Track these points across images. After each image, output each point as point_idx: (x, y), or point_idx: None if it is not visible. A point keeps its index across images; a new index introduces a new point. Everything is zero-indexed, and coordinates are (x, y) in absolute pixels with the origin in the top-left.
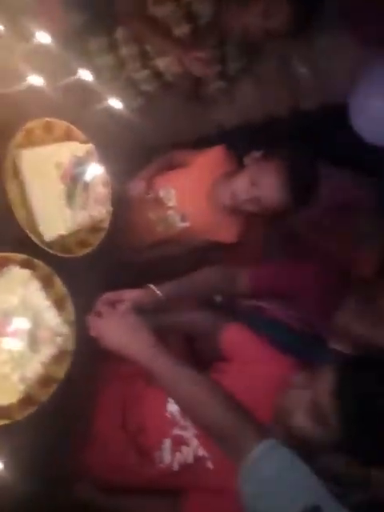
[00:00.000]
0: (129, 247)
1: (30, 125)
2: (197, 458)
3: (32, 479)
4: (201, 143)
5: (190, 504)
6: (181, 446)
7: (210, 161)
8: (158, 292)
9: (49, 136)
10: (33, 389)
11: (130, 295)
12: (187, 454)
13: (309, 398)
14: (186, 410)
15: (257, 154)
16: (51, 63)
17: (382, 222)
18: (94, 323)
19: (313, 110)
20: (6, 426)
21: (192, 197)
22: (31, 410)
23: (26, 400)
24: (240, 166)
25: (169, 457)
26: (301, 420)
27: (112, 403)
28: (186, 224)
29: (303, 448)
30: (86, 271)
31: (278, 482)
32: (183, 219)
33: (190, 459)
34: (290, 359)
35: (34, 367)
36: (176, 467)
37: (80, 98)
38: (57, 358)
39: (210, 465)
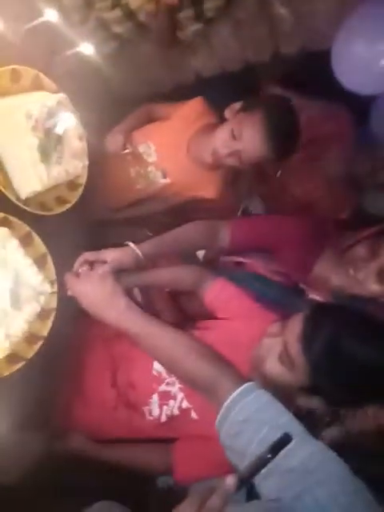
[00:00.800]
0: (107, 205)
1: None
2: (182, 410)
3: (23, 432)
4: (178, 93)
5: (179, 450)
6: (168, 400)
7: (188, 113)
8: (138, 251)
9: (15, 85)
10: (18, 346)
11: (110, 255)
12: (173, 406)
13: (280, 345)
14: (166, 365)
15: (237, 105)
16: (15, 5)
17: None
18: (71, 284)
19: (293, 55)
20: None
21: (172, 152)
22: (18, 366)
23: (13, 357)
24: (219, 117)
25: (157, 410)
26: (272, 366)
27: (101, 363)
28: (167, 180)
29: (277, 393)
30: (65, 229)
31: (253, 420)
32: (164, 175)
33: (176, 411)
34: (273, 314)
35: (18, 325)
36: (164, 419)
37: (48, 43)
38: (40, 316)
39: (194, 415)
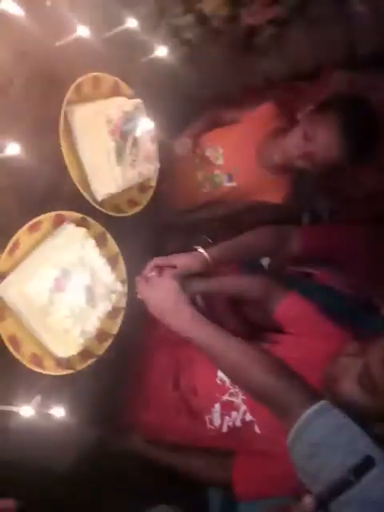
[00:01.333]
0: (173, 208)
1: (80, 80)
2: (245, 423)
3: (89, 426)
4: (247, 96)
5: (239, 464)
6: (230, 411)
7: (259, 117)
8: (207, 256)
9: (96, 91)
10: (91, 342)
11: (179, 260)
12: (236, 418)
13: (359, 367)
14: (231, 376)
15: (310, 106)
16: (96, 13)
17: None
18: (141, 287)
19: (370, 56)
20: (68, 376)
21: (240, 155)
22: (89, 362)
23: (85, 353)
24: (291, 121)
25: (218, 420)
26: (349, 387)
27: (165, 365)
28: (233, 184)
29: (352, 416)
30: (134, 231)
31: (329, 443)
32: (230, 179)
33: (239, 423)
34: (347, 332)
35: (92, 322)
36: (225, 429)
37: (125, 50)
38: (111, 314)
39: (257, 429)
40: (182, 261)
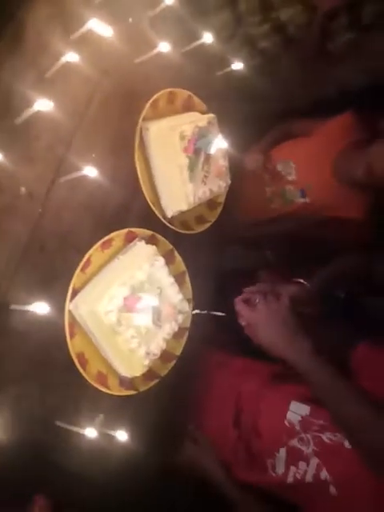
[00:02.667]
0: (240, 224)
1: (156, 96)
2: (318, 480)
3: (151, 448)
4: (321, 107)
5: None
6: (298, 461)
7: (336, 129)
8: (310, 287)
9: (171, 106)
10: (155, 363)
11: (288, 290)
12: (305, 471)
13: None
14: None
15: None
16: (174, 28)
17: None
18: (245, 312)
19: None
20: (131, 397)
21: (315, 170)
22: (153, 383)
23: (149, 374)
24: (372, 132)
25: (282, 468)
26: None
27: (224, 397)
28: (306, 200)
29: None
30: (198, 248)
31: None
32: (303, 194)
33: (310, 478)
34: None
35: (158, 343)
36: (290, 480)
37: (200, 65)
38: (176, 335)
39: (333, 490)
40: (291, 290)
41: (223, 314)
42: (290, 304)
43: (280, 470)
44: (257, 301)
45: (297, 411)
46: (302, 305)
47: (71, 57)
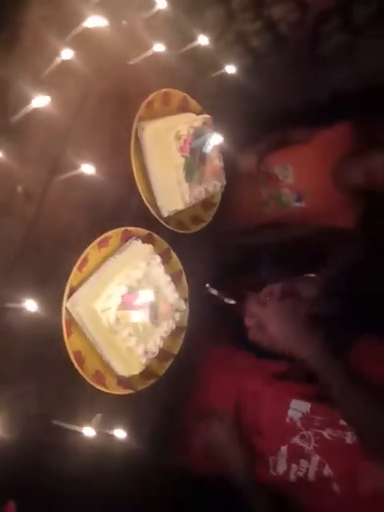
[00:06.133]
0: (235, 225)
1: (151, 96)
2: (320, 477)
3: (149, 447)
4: (313, 110)
5: None
6: (299, 459)
7: (334, 137)
8: (320, 280)
9: (166, 107)
10: (153, 362)
11: (297, 286)
12: (306, 468)
13: None
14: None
15: None
16: (167, 29)
17: None
18: (256, 310)
19: None
20: (128, 396)
21: (314, 176)
22: (150, 382)
23: (147, 373)
24: (370, 138)
25: (283, 466)
26: None
27: (224, 395)
28: (302, 204)
29: None
30: (194, 248)
31: None
32: (299, 199)
33: (312, 476)
34: None
35: (155, 341)
36: (292, 479)
37: (194, 66)
38: (173, 334)
39: (336, 488)
40: (301, 287)
41: (234, 302)
42: (299, 300)
43: (281, 468)
44: (267, 298)
45: (298, 408)
46: (312, 300)
47: (67, 57)
